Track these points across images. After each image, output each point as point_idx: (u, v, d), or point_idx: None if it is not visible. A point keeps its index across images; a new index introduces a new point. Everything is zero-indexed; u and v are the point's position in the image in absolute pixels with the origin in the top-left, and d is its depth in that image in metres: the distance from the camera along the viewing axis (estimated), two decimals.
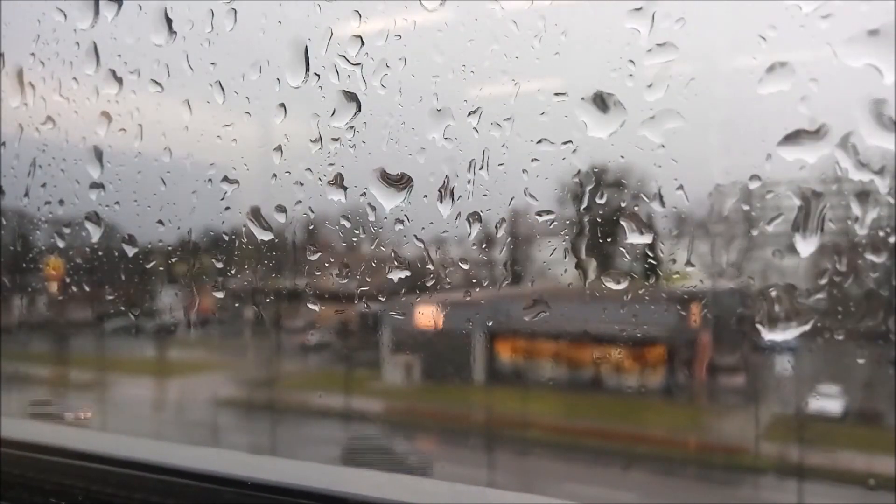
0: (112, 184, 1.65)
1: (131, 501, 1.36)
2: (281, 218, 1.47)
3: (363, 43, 1.29)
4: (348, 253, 1.45)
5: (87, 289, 1.83)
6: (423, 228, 1.34)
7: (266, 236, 1.47)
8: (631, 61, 1.10)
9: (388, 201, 1.33)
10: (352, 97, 1.31)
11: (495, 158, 1.26)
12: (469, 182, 1.27)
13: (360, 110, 1.31)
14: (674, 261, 1.28)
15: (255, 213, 1.46)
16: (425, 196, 1.31)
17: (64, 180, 1.72)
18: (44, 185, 1.75)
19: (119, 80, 1.58)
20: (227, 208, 1.53)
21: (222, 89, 1.46)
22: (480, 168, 1.26)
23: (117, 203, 1.66)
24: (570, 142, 1.20)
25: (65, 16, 1.65)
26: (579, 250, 1.28)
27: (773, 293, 1.16)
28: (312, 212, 1.44)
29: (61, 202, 1.73)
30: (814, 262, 1.06)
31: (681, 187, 1.14)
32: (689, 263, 1.26)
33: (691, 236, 1.27)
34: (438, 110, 1.26)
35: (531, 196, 1.25)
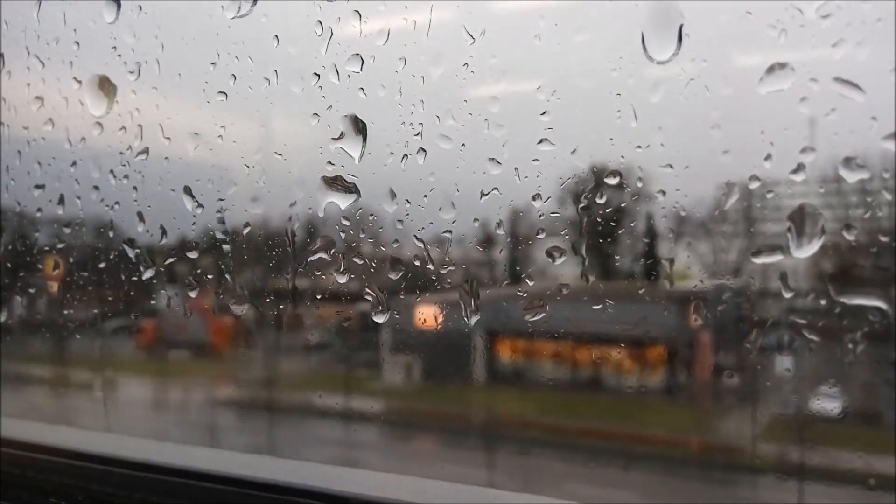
0: (112, 184, 1.65)
1: (131, 501, 1.36)
2: (280, 218, 1.47)
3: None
4: (348, 252, 1.44)
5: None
6: (422, 228, 1.34)
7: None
8: (631, 62, 1.10)
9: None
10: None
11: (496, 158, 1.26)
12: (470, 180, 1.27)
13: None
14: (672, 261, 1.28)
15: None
16: (425, 196, 1.31)
17: (65, 180, 1.72)
18: (43, 186, 1.75)
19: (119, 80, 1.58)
20: (226, 210, 1.53)
21: (222, 89, 1.45)
22: (484, 169, 1.26)
23: (117, 203, 1.66)
24: (570, 142, 1.20)
25: (65, 16, 1.65)
26: (580, 249, 1.28)
27: (773, 293, 1.16)
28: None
29: (61, 202, 1.73)
30: (814, 262, 1.06)
31: (680, 188, 1.15)
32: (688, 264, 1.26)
33: (691, 236, 1.27)
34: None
35: (531, 196, 1.25)
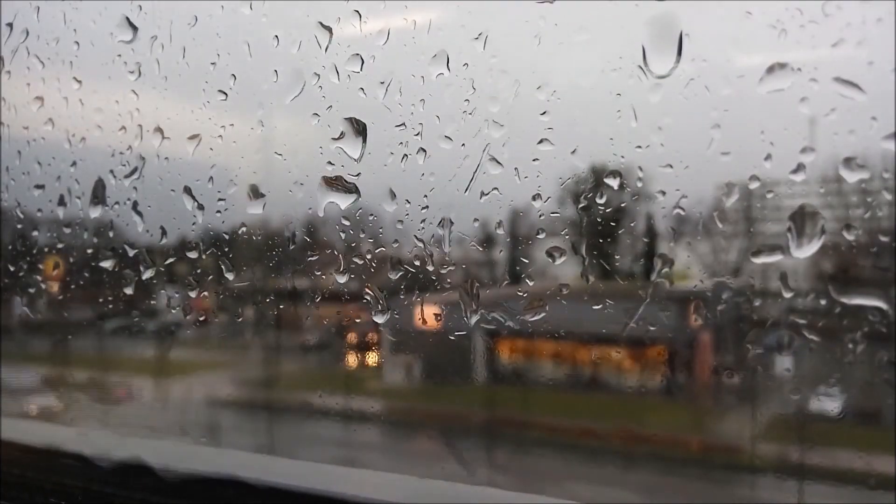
0: (112, 184, 1.65)
1: (131, 501, 1.36)
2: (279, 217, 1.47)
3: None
4: (348, 253, 1.44)
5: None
6: (421, 228, 1.34)
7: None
8: (632, 61, 1.10)
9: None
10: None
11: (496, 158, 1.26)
12: (470, 180, 1.27)
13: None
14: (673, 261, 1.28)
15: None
16: (425, 196, 1.31)
17: (65, 180, 1.72)
18: (43, 186, 1.75)
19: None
20: (226, 209, 1.53)
21: (222, 89, 1.45)
22: (484, 169, 1.26)
23: (117, 203, 1.66)
24: (570, 142, 1.20)
25: (65, 16, 1.65)
26: (580, 249, 1.28)
27: (773, 293, 1.16)
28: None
29: (61, 202, 1.73)
30: (814, 262, 1.06)
31: (680, 188, 1.14)
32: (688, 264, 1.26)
33: (691, 236, 1.27)
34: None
35: (531, 196, 1.25)
